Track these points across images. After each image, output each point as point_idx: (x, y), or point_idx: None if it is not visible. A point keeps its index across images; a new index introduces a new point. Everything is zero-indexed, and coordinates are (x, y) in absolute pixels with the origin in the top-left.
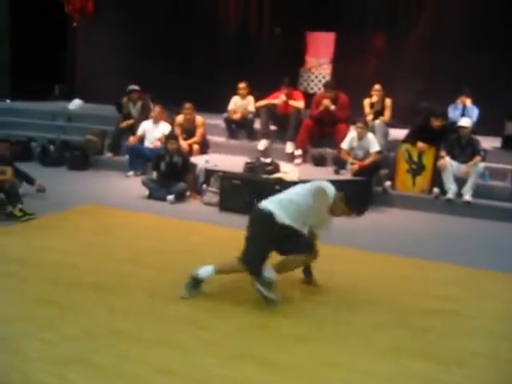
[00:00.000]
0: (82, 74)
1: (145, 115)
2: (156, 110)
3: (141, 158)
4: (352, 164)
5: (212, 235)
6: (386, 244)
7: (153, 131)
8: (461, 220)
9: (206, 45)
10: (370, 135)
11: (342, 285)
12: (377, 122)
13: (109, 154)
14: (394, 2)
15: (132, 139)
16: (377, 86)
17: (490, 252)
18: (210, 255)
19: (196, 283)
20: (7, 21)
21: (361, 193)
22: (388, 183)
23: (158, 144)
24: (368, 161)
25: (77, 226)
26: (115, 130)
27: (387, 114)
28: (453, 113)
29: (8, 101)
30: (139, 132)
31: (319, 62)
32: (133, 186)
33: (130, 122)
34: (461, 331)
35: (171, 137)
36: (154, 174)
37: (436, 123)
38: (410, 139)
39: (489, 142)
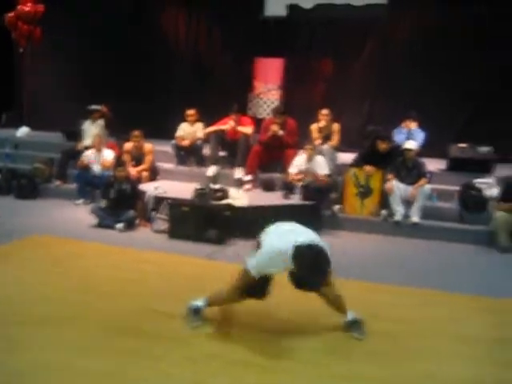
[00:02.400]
0: (29, 101)
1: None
2: (96, 139)
3: (89, 186)
4: (301, 189)
5: (162, 263)
6: (335, 267)
7: (97, 159)
8: (409, 241)
9: (154, 71)
10: (319, 158)
11: (291, 311)
12: (325, 146)
13: (57, 182)
14: (341, 28)
15: (82, 164)
16: (324, 111)
17: (438, 272)
18: (160, 283)
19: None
20: None
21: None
22: (337, 207)
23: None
24: (317, 184)
25: (26, 258)
26: (61, 158)
27: (335, 138)
28: (397, 136)
29: None
30: (84, 159)
31: (268, 88)
32: (82, 214)
33: (86, 143)
34: (412, 353)
35: (119, 164)
36: (103, 202)
37: (382, 146)
38: (358, 163)
39: (435, 164)
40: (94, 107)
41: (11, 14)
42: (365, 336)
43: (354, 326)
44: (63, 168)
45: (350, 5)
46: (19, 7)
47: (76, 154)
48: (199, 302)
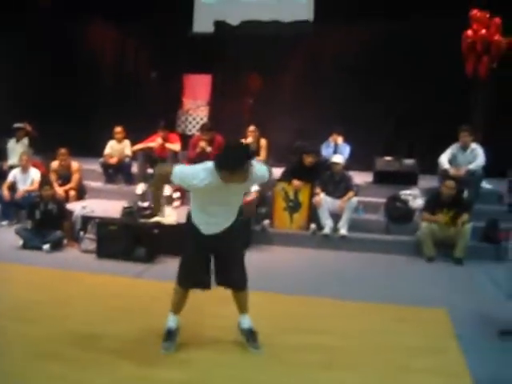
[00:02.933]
0: None
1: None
2: (23, 157)
3: (14, 207)
4: None
5: (90, 283)
6: (265, 282)
7: (23, 179)
8: (338, 254)
9: (81, 89)
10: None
11: (224, 326)
12: (253, 161)
13: None
14: (268, 44)
15: (6, 193)
16: (251, 128)
17: (366, 283)
18: (89, 304)
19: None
20: None
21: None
22: (266, 221)
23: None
24: (248, 199)
25: None
26: None
27: (263, 153)
28: (325, 150)
29: None
30: (9, 179)
31: (196, 104)
32: (7, 235)
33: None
34: (341, 365)
35: (45, 183)
36: (29, 223)
37: (308, 160)
38: (286, 178)
39: (361, 177)
40: (17, 125)
41: None
42: (259, 349)
43: (251, 336)
44: None
45: (277, 21)
46: None
47: (1, 173)
48: (170, 323)
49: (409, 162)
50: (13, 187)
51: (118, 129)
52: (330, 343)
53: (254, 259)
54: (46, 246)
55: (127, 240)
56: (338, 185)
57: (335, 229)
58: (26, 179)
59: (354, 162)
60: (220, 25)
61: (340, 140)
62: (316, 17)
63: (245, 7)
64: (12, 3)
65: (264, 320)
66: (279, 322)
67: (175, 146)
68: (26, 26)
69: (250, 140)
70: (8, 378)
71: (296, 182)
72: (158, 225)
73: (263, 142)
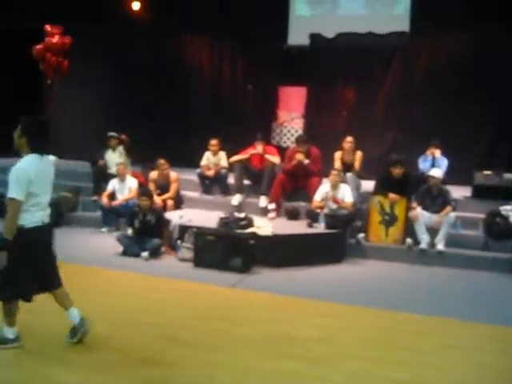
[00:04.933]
0: (56, 130)
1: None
2: (120, 167)
3: (114, 214)
4: (327, 217)
5: (186, 291)
6: (358, 296)
7: (121, 188)
8: (434, 270)
9: (179, 101)
10: (343, 186)
11: (314, 338)
12: (348, 174)
13: (94, 197)
14: (363, 56)
15: (105, 201)
16: (349, 138)
17: (463, 301)
18: (184, 312)
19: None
20: None
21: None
22: (361, 235)
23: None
24: (344, 212)
25: None
26: (95, 175)
27: (357, 166)
28: (422, 164)
29: None
30: (109, 188)
31: (291, 116)
32: (107, 242)
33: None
34: (430, 382)
35: (143, 193)
36: (129, 230)
37: (395, 171)
38: (378, 191)
39: (459, 192)
40: (111, 134)
41: (40, 46)
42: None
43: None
44: (99, 183)
45: (373, 33)
46: (47, 39)
47: (106, 177)
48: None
49: (509, 176)
50: (112, 196)
51: (214, 141)
52: (420, 359)
53: (348, 273)
54: (145, 254)
55: (224, 250)
56: (435, 199)
57: (432, 244)
58: (124, 188)
59: (451, 176)
60: (315, 37)
61: (438, 153)
62: (412, 28)
63: (340, 19)
64: (107, 18)
65: (352, 333)
66: (369, 336)
67: (275, 159)
68: (119, 41)
69: (346, 151)
70: (105, 378)
71: (392, 195)
72: (254, 236)
73: (359, 154)
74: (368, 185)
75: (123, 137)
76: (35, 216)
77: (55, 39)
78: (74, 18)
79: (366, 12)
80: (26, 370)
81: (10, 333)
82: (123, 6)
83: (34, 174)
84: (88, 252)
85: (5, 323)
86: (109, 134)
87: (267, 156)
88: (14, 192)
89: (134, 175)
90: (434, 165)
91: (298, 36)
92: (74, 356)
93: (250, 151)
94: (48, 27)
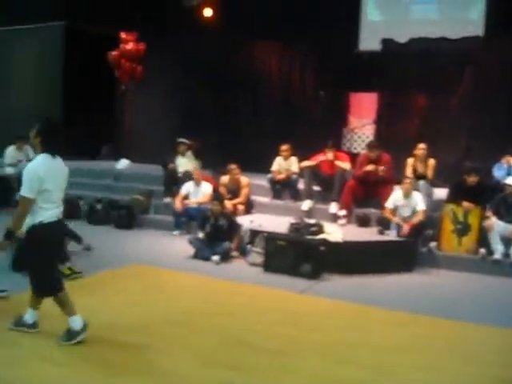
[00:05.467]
0: (129, 134)
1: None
2: (196, 172)
3: (186, 217)
4: (399, 225)
5: (255, 296)
6: (429, 306)
7: (195, 192)
8: (508, 281)
9: (250, 107)
10: (415, 193)
11: (382, 346)
12: (421, 182)
13: (167, 199)
14: (436, 62)
15: (179, 204)
16: (421, 145)
17: None
18: (253, 316)
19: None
20: (60, 83)
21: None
22: (433, 244)
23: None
24: (416, 219)
25: (123, 286)
26: (166, 177)
27: (430, 173)
28: (497, 172)
29: None
30: (182, 192)
31: (362, 122)
32: (178, 245)
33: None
34: None
35: (215, 198)
36: (200, 234)
37: (470, 179)
38: (452, 199)
39: None
40: (181, 140)
41: (115, 53)
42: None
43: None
44: (170, 186)
45: (445, 38)
46: (122, 46)
47: (177, 180)
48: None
49: None
50: (186, 199)
51: (285, 146)
52: (500, 375)
53: (418, 282)
54: (216, 257)
55: (294, 255)
56: (510, 208)
57: (506, 254)
58: (198, 192)
59: None
60: (387, 42)
61: None
62: (486, 33)
63: (412, 24)
64: (179, 25)
65: (421, 343)
66: (439, 346)
67: (346, 165)
68: (191, 47)
69: (418, 158)
70: (179, 381)
71: (466, 204)
72: (325, 242)
73: (431, 161)
74: (441, 193)
75: (192, 143)
76: (51, 212)
77: (130, 46)
78: (148, 24)
79: (439, 16)
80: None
81: (31, 318)
82: (195, 13)
83: (43, 173)
84: (160, 254)
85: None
86: (178, 140)
87: (337, 162)
88: (24, 190)
89: (206, 179)
90: (510, 173)
91: (369, 41)
92: (149, 356)
93: (320, 157)
94: (123, 34)
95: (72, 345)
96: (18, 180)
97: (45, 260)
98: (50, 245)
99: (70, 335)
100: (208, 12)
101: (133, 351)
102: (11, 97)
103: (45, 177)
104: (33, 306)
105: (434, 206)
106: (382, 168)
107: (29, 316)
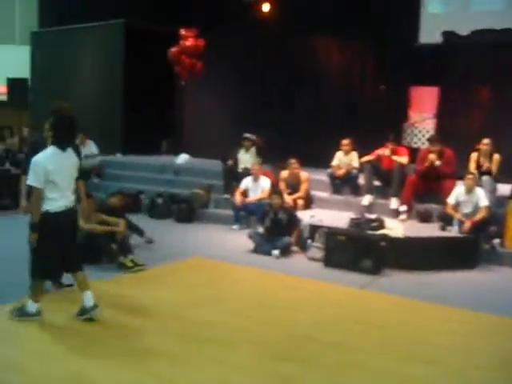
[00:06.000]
0: (188, 129)
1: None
2: (254, 167)
3: (246, 212)
4: (461, 221)
5: (316, 290)
6: (493, 304)
7: (254, 187)
8: None
9: (310, 101)
10: (478, 189)
11: (445, 344)
12: (484, 177)
13: (226, 196)
14: (500, 54)
15: (238, 199)
16: (486, 140)
17: None
18: (314, 311)
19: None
20: (121, 80)
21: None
22: (497, 240)
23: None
24: (479, 216)
25: (185, 279)
26: (224, 172)
27: (494, 169)
28: None
29: (119, 155)
30: (241, 187)
31: (423, 117)
32: (238, 239)
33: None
34: None
35: (274, 192)
36: (260, 229)
37: None
38: None
39: None
40: (247, 135)
41: (175, 49)
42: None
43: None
44: (229, 181)
45: (510, 29)
46: (182, 42)
47: (236, 175)
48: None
49: None
50: (245, 194)
51: (346, 141)
52: None
53: (481, 279)
54: (276, 252)
55: (355, 251)
56: None
57: None
58: (257, 188)
59: None
60: (448, 35)
61: None
62: None
63: (475, 16)
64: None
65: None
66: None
67: (403, 159)
68: (251, 43)
69: (482, 154)
70: (244, 373)
71: None
72: (385, 237)
73: (496, 157)
74: (505, 188)
75: (256, 139)
76: (59, 202)
77: (189, 42)
78: (207, 20)
79: (503, 7)
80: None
81: (33, 307)
82: (254, 8)
83: (51, 165)
84: (220, 248)
85: (31, 299)
86: (244, 135)
87: (394, 157)
88: (30, 180)
89: (266, 174)
90: None
91: (430, 34)
92: (212, 349)
93: (378, 152)
94: (183, 30)
95: None
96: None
97: (45, 246)
98: (53, 233)
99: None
100: (266, 7)
101: (197, 344)
102: (74, 93)
103: (52, 169)
104: (33, 299)
105: (498, 202)
106: (438, 162)
107: (31, 305)
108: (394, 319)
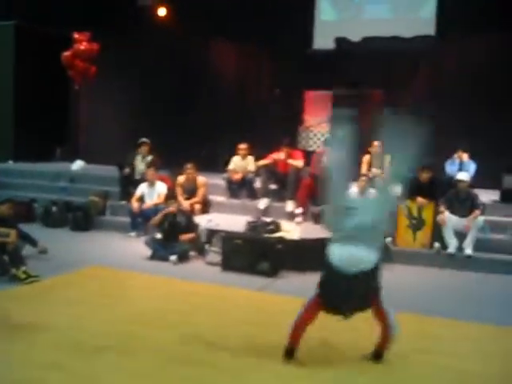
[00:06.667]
0: (83, 135)
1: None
2: (149, 172)
3: (142, 219)
4: None
5: (214, 295)
6: (386, 300)
7: (150, 193)
8: (463, 274)
9: (207, 107)
10: (371, 190)
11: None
12: (377, 178)
13: (123, 202)
14: (389, 61)
15: (135, 206)
16: (376, 142)
17: (493, 306)
18: (211, 315)
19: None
20: (11, 84)
21: None
22: (389, 239)
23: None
24: None
25: (81, 289)
26: (122, 180)
27: (386, 170)
28: (450, 168)
29: (11, 162)
30: (137, 193)
31: (317, 121)
32: (135, 246)
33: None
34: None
35: (171, 197)
36: (158, 234)
37: (423, 175)
38: (407, 195)
39: (488, 196)
40: (143, 140)
41: (68, 53)
42: None
43: None
44: (126, 188)
45: (398, 37)
46: (75, 46)
47: (132, 183)
48: None
49: None
50: (141, 200)
51: (243, 146)
52: (458, 366)
53: None
54: (173, 257)
55: (252, 254)
56: (463, 203)
57: (460, 248)
58: (153, 193)
59: (479, 180)
60: (340, 41)
61: (465, 157)
62: (438, 32)
63: (365, 24)
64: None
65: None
66: (406, 341)
67: (298, 162)
68: (145, 47)
69: (374, 152)
70: (143, 380)
71: (420, 200)
72: (282, 240)
73: (387, 158)
74: (396, 189)
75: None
76: None
77: (83, 45)
78: (102, 24)
79: (392, 16)
80: None
81: None
82: (150, 11)
83: None
84: (117, 255)
85: None
86: (141, 140)
87: (290, 161)
88: None
89: (162, 179)
90: (462, 169)
91: (323, 40)
92: (110, 358)
93: (275, 156)
94: (76, 34)
95: None
96: None
97: None
98: None
99: None
100: (162, 11)
101: (93, 353)
102: None
103: None
104: None
105: None
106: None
107: None
108: (291, 320)
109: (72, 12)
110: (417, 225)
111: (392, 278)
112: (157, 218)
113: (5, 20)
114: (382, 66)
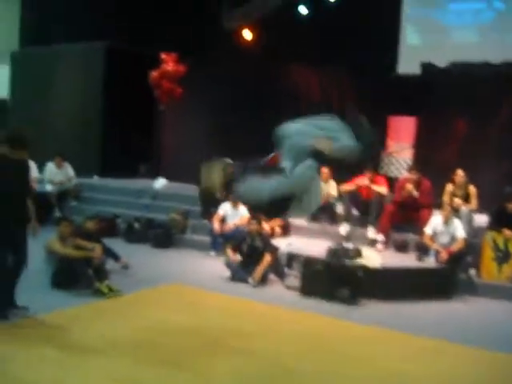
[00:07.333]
0: (166, 154)
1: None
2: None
3: (222, 239)
4: (438, 252)
5: (292, 319)
6: (467, 335)
7: (233, 214)
8: None
9: None
10: (456, 220)
11: (423, 375)
12: (463, 208)
13: (204, 221)
14: (477, 86)
15: (217, 226)
16: (460, 172)
17: None
18: (287, 340)
19: None
20: (102, 102)
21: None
22: (473, 271)
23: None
24: (456, 247)
25: (161, 305)
26: (202, 199)
27: (473, 202)
28: None
29: (95, 176)
30: (220, 213)
31: (400, 146)
32: (214, 265)
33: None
34: None
35: (253, 217)
36: (237, 256)
37: (510, 206)
38: (492, 226)
39: None
40: (228, 161)
41: (155, 73)
42: None
43: None
44: (207, 206)
45: (487, 62)
46: (163, 66)
47: (215, 203)
48: None
49: None
50: (223, 221)
51: (325, 170)
52: None
53: (458, 310)
54: (252, 280)
55: (332, 280)
56: None
57: None
58: (236, 214)
59: None
60: (427, 66)
61: None
62: None
63: (453, 48)
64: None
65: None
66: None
67: (381, 189)
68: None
69: (457, 185)
70: None
71: (507, 232)
72: (363, 267)
73: (472, 189)
74: (481, 219)
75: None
76: None
77: (170, 66)
78: (189, 46)
79: (479, 40)
80: None
81: None
82: (235, 35)
83: None
84: (197, 274)
85: None
86: (225, 160)
87: (373, 187)
88: None
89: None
90: None
91: (408, 65)
92: (186, 376)
93: (358, 181)
94: (163, 54)
95: None
96: (57, 197)
97: None
98: None
99: None
100: (247, 34)
101: (172, 370)
102: (53, 113)
103: None
104: None
105: (475, 232)
106: (416, 193)
107: None
108: (369, 349)
109: (160, 33)
110: (503, 257)
111: (474, 312)
112: None
113: (97, 40)
114: (468, 92)
